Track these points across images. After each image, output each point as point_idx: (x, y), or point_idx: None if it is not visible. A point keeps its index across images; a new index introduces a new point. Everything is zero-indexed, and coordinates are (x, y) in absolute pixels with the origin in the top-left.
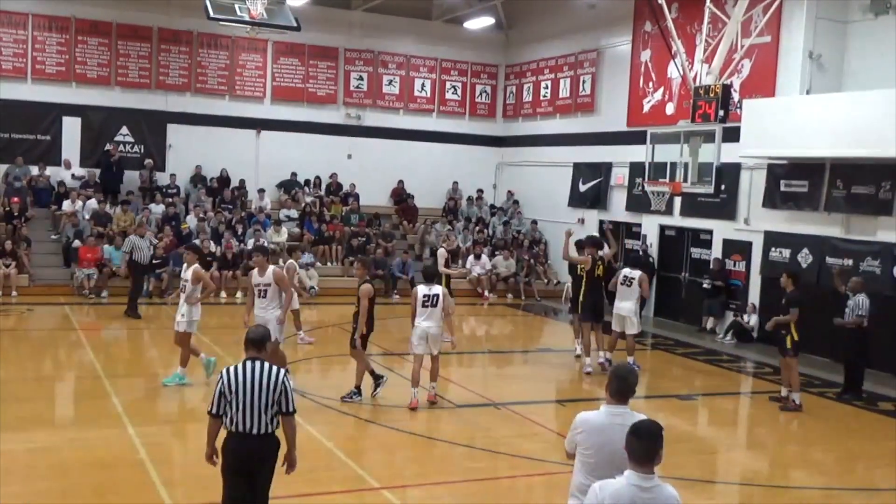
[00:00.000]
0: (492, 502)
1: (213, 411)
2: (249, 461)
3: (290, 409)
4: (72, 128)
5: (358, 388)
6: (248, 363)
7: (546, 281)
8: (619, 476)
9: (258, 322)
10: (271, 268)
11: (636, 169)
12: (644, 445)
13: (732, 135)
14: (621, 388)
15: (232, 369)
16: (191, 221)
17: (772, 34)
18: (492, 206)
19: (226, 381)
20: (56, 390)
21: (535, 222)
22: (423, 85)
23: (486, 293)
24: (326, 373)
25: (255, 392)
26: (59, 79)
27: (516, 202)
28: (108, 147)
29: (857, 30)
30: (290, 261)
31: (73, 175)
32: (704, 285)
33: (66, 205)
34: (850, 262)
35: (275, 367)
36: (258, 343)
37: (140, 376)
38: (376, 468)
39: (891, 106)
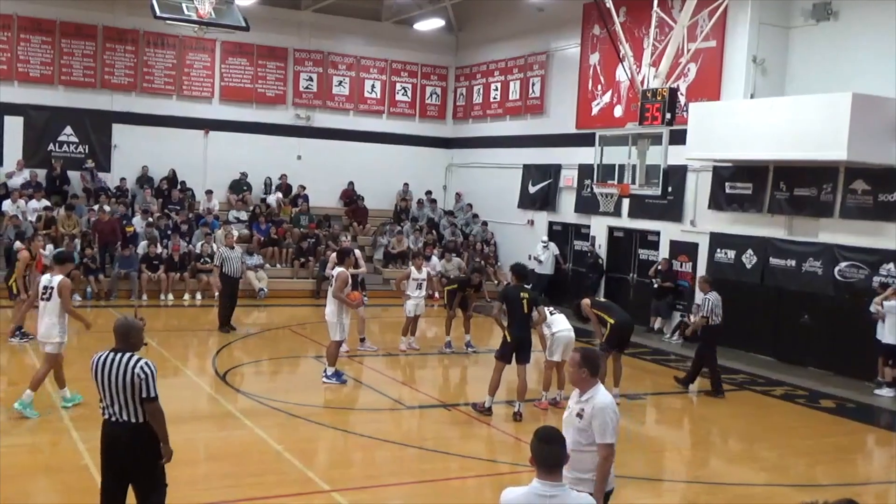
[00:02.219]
0: (442, 503)
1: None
2: (113, 448)
3: (149, 394)
4: (14, 127)
5: None
6: (110, 353)
7: (497, 282)
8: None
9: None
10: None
11: (585, 171)
12: (555, 451)
13: (679, 137)
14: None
15: (96, 358)
16: (137, 223)
17: (717, 39)
18: (448, 211)
19: (94, 373)
20: None
21: (485, 223)
22: (373, 86)
23: (436, 294)
24: (275, 375)
25: (113, 381)
26: (1, 77)
27: (469, 205)
28: (50, 148)
29: (799, 35)
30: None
31: (24, 179)
32: (654, 285)
33: (8, 205)
34: (793, 262)
35: (133, 357)
36: (117, 334)
37: (85, 380)
38: (326, 471)
39: (831, 110)
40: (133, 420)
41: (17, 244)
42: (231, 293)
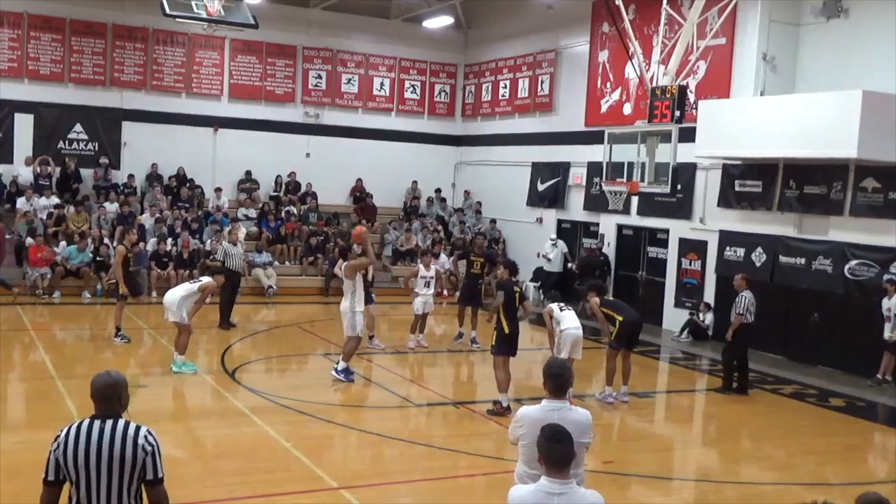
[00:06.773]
0: (450, 501)
1: (51, 477)
2: None
3: (157, 474)
4: (24, 125)
5: None
6: (93, 422)
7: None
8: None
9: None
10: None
11: (594, 168)
12: (564, 449)
13: (688, 135)
14: (557, 383)
15: (73, 433)
16: (146, 220)
17: (727, 36)
18: (457, 209)
19: (64, 451)
20: (7, 392)
21: (493, 221)
22: (381, 84)
23: (445, 292)
24: (284, 372)
25: (104, 459)
26: (11, 75)
27: (478, 202)
28: (60, 145)
29: (810, 33)
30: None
31: (36, 173)
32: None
33: (22, 203)
34: (803, 260)
35: (130, 424)
36: (100, 394)
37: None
38: (335, 468)
39: (842, 107)
40: None
41: (30, 241)
42: (231, 289)
